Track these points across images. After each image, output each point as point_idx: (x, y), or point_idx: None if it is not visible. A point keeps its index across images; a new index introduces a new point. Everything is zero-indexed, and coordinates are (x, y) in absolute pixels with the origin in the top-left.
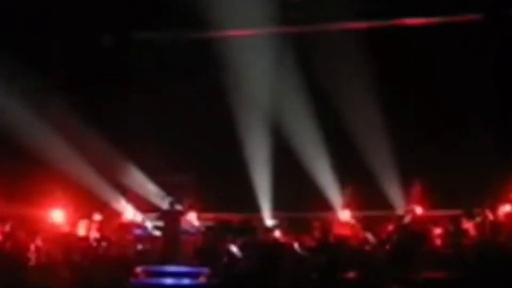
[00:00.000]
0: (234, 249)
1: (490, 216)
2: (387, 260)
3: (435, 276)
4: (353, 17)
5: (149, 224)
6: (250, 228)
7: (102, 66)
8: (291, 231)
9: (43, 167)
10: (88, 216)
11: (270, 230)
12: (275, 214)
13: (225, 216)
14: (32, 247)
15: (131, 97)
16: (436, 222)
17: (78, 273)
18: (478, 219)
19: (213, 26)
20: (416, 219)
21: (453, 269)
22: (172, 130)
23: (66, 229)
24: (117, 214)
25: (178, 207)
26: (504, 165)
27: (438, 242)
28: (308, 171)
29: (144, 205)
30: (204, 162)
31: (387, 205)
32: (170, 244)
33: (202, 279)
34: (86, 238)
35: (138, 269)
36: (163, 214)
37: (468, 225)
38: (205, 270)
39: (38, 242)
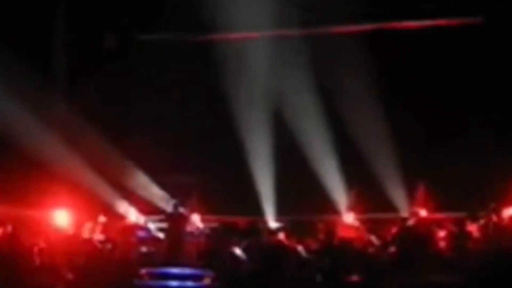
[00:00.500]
0: (237, 251)
1: (495, 219)
2: (391, 263)
3: (439, 280)
4: (354, 19)
5: (152, 226)
6: (254, 230)
7: (104, 67)
8: (295, 234)
9: (45, 169)
10: (93, 218)
11: (274, 232)
12: (279, 216)
13: (229, 218)
14: (36, 248)
15: (134, 98)
16: (440, 224)
17: (82, 275)
18: (482, 221)
19: (215, 28)
20: (420, 221)
21: (457, 272)
22: (176, 132)
23: (70, 231)
24: (121, 216)
25: (182, 209)
26: (508, 167)
27: (442, 244)
28: (312, 173)
29: (147, 208)
30: (207, 164)
31: (391, 207)
32: (174, 246)
33: (205, 281)
34: (90, 240)
35: (143, 271)
36: (167, 217)
37: (472, 228)
38: (209, 272)
39: (42, 243)
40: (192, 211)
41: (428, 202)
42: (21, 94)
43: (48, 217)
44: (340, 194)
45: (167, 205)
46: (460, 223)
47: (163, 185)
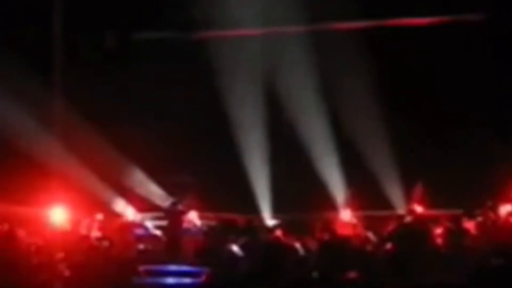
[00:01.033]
0: (235, 248)
1: (491, 216)
2: (388, 260)
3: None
4: (353, 17)
5: (149, 224)
6: (252, 228)
7: (104, 67)
8: (292, 231)
9: (43, 167)
10: (90, 216)
11: (271, 230)
12: (276, 214)
13: (226, 215)
14: (33, 246)
15: (133, 97)
16: (437, 221)
17: (80, 272)
18: (479, 218)
19: (214, 26)
20: (417, 218)
21: (454, 269)
22: (174, 130)
23: (67, 228)
24: (119, 214)
25: (180, 207)
26: (505, 165)
27: (439, 241)
28: (310, 171)
29: (144, 206)
30: (205, 162)
31: (388, 204)
32: (172, 243)
33: (203, 279)
34: (87, 237)
35: (141, 268)
36: (165, 214)
37: (469, 225)
38: (207, 269)
39: (39, 241)
40: (190, 208)
41: (425, 199)
42: (20, 93)
43: (45, 215)
44: (338, 192)
45: (165, 203)
46: (457, 220)
47: (161, 183)
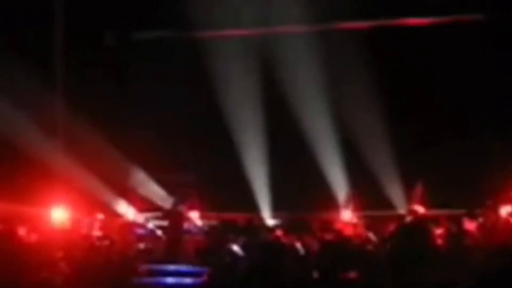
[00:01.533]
0: (236, 248)
1: (492, 216)
2: (388, 260)
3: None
4: (353, 16)
5: (150, 224)
6: (252, 228)
7: (104, 66)
8: (292, 230)
9: (43, 166)
10: (91, 215)
11: (272, 229)
12: (277, 213)
13: (227, 215)
14: (34, 245)
15: (133, 96)
16: (437, 222)
17: (80, 271)
18: (481, 219)
19: (213, 25)
20: (417, 219)
21: (455, 269)
22: (174, 129)
23: (68, 227)
24: (119, 214)
25: (181, 206)
26: (506, 164)
27: (439, 242)
28: (311, 170)
29: (145, 206)
30: (206, 161)
31: (389, 204)
32: (173, 243)
33: (204, 278)
34: (88, 237)
35: (141, 268)
36: (165, 214)
37: (470, 225)
38: (207, 269)
39: (40, 240)
40: (191, 208)
41: (426, 199)
42: (20, 93)
43: (46, 214)
44: (338, 191)
45: (166, 202)
46: (458, 221)
47: (161, 183)
